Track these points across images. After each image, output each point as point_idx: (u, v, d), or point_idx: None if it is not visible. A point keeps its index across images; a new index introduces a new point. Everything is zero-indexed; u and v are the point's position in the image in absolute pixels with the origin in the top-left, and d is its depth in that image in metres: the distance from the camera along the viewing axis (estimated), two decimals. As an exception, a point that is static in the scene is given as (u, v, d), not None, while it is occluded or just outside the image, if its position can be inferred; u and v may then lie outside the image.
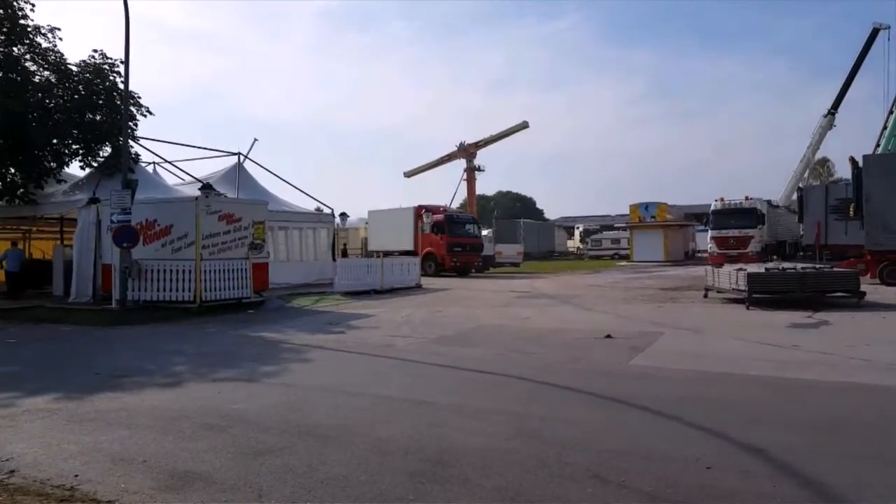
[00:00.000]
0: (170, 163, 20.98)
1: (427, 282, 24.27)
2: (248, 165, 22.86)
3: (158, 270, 14.54)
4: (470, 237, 31.68)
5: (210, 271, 14.68)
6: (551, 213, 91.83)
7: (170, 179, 21.49)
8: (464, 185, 62.79)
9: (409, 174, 69.13)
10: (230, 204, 16.18)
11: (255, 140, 24.16)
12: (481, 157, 64.46)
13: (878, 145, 43.02)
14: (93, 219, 15.98)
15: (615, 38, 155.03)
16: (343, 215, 24.37)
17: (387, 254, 28.66)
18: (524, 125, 61.01)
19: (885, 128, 44.14)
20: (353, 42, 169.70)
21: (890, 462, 4.50)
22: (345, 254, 29.61)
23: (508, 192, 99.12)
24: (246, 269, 15.53)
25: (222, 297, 14.92)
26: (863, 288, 14.31)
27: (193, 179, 20.13)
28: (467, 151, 63.14)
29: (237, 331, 12.21)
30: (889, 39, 45.46)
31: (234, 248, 15.41)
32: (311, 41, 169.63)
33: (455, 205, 52.97)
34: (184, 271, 14.46)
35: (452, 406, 6.18)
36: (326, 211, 24.26)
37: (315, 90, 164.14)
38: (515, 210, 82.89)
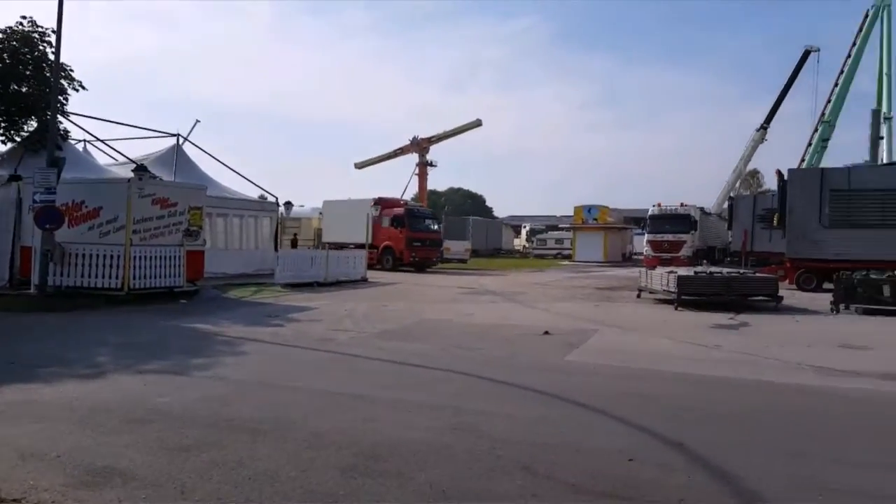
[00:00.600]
0: (102, 141, 20.16)
1: (376, 276, 24.16)
2: (187, 148, 22.20)
3: (84, 255, 13.80)
4: (430, 232, 31.28)
5: (140, 258, 14.06)
6: (500, 212, 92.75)
7: (101, 159, 20.66)
8: (415, 179, 62.76)
9: (359, 166, 68.56)
10: (165, 187, 15.58)
11: (197, 121, 23.53)
12: (434, 153, 64.75)
13: (803, 160, 45.57)
14: (13, 197, 15.08)
15: (571, 43, 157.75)
16: (288, 204, 23.85)
17: (342, 246, 28.27)
18: (477, 123, 61.48)
19: (809, 144, 46.91)
20: (306, 28, 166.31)
21: (793, 454, 4.79)
22: (295, 244, 28.79)
23: (459, 189, 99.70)
24: (179, 257, 14.94)
25: (153, 286, 14.32)
26: (781, 293, 15.18)
27: (127, 160, 19.30)
28: (420, 146, 63.21)
29: (167, 321, 11.75)
30: (819, 61, 48.58)
31: (167, 234, 14.80)
32: (264, 23, 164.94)
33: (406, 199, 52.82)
34: (112, 257, 13.78)
35: (390, 400, 6.14)
36: (270, 199, 23.74)
37: (265, 76, 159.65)
38: (466, 207, 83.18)
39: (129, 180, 14.50)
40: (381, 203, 31.06)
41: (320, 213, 35.60)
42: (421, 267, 29.89)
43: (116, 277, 13.73)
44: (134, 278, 13.86)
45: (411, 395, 6.41)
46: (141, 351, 8.68)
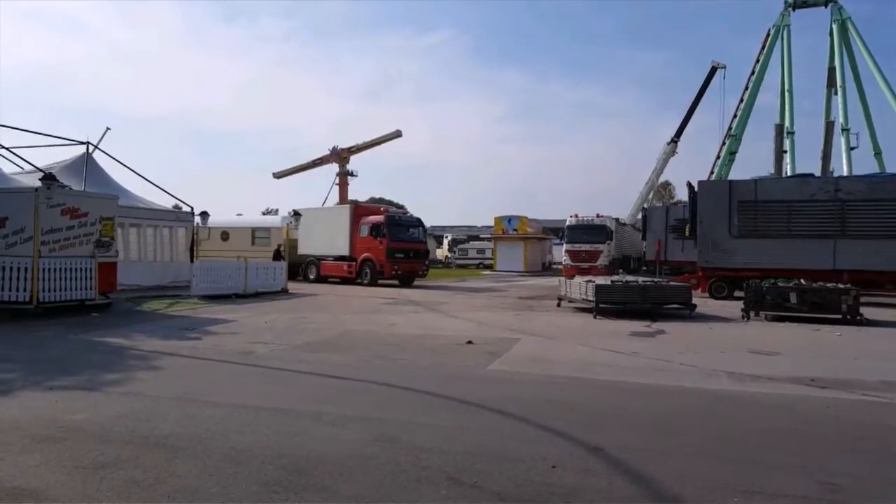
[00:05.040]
0: (7, 149, 18.99)
1: (297, 287, 23.74)
2: (98, 157, 21.25)
3: (-12, 267, 13.13)
4: (415, 242, 27.77)
5: (49, 270, 13.51)
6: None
7: (7, 168, 19.52)
8: (336, 189, 62.15)
9: (278, 175, 67.29)
10: (75, 197, 14.96)
11: (108, 129, 22.43)
12: (354, 163, 64.29)
13: (712, 172, 48.15)
14: None
15: (486, 58, 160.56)
16: (204, 214, 23.10)
17: (319, 258, 26.95)
18: (397, 134, 61.50)
19: (718, 157, 49.59)
20: (220, 36, 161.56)
21: (708, 456, 5.03)
22: (278, 256, 26.86)
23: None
24: (91, 269, 14.44)
25: (63, 299, 13.76)
26: (694, 301, 15.80)
27: (34, 169, 18.34)
28: (340, 156, 62.66)
29: (79, 335, 11.25)
30: (725, 77, 51.53)
31: (77, 246, 14.28)
32: (177, 31, 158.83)
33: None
34: (19, 269, 13.23)
35: (313, 413, 6.10)
36: (185, 209, 23.05)
37: (179, 84, 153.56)
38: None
39: (36, 189, 13.86)
40: (359, 210, 28.51)
41: (289, 223, 33.60)
42: (405, 281, 27.05)
43: (24, 290, 13.22)
44: (43, 291, 13.37)
45: (334, 407, 6.38)
46: (51, 366, 8.32)
